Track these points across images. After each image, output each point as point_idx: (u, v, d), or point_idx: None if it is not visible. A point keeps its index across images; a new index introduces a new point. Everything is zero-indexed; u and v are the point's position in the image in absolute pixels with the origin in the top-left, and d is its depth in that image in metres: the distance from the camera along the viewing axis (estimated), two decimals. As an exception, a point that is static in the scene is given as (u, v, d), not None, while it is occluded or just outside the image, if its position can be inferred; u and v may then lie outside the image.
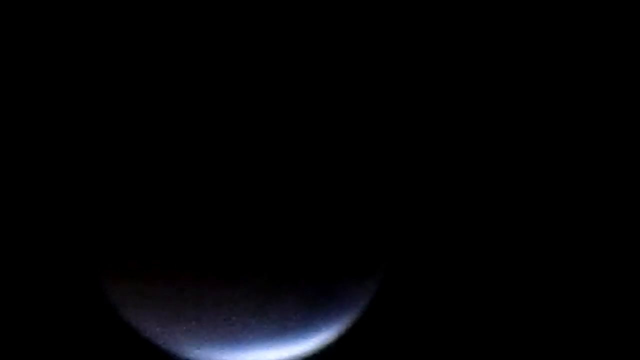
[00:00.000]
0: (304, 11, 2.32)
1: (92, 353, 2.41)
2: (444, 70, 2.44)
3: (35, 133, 2.36)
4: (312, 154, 2.24)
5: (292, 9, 2.31)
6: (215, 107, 2.25)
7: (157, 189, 2.21)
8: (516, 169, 2.50)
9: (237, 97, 2.26)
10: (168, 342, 2.27)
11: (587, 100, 2.54)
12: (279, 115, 2.25)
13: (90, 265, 2.33)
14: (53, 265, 2.38)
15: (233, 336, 2.22)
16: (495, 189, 2.49)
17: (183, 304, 2.20)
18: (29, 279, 2.39)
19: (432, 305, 2.44)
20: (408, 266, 2.36)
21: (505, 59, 2.48)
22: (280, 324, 2.20)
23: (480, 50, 2.46)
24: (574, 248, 2.54)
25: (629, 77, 2.53)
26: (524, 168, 2.51)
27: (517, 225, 2.49)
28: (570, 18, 2.50)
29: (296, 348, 2.27)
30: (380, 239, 2.27)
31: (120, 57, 2.32)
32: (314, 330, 2.25)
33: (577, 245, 2.53)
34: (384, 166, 2.33)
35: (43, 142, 2.36)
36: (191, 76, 2.29)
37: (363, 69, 2.37)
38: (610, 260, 2.55)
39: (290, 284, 2.19)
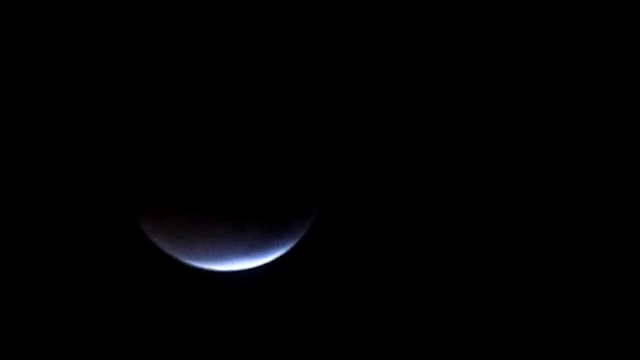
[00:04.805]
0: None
1: (128, 264, 3.81)
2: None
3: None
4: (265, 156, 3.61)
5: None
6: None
7: (172, 173, 3.58)
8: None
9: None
10: (181, 255, 3.65)
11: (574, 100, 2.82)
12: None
13: (132, 210, 3.71)
14: (105, 209, 3.78)
15: (219, 253, 3.60)
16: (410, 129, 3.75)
17: (190, 233, 3.57)
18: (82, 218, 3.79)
19: (349, 234, 3.84)
20: (331, 211, 3.77)
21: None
22: (250, 245, 3.58)
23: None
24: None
25: (628, 77, 2.72)
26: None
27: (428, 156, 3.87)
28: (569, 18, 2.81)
29: (260, 260, 3.66)
30: (311, 196, 3.66)
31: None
32: (272, 249, 3.63)
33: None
34: (315, 149, 3.71)
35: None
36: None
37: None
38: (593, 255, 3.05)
39: (257, 222, 3.56)
